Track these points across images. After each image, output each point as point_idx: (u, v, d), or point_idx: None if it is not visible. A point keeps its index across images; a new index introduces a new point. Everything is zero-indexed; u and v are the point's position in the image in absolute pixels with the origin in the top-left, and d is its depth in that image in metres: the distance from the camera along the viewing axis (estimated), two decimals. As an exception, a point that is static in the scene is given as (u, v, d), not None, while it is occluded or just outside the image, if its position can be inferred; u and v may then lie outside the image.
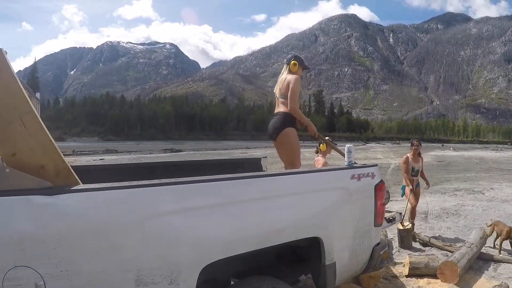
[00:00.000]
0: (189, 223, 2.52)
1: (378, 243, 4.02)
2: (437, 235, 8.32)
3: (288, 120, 5.13)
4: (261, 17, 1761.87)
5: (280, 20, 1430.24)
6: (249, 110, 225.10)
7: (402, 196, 9.06)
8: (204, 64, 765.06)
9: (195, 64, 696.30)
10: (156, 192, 2.45)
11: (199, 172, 3.90)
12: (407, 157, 8.53)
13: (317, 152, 7.59)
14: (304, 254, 3.71)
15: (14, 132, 2.16)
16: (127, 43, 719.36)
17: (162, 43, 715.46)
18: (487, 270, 6.16)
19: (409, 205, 8.40)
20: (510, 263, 6.48)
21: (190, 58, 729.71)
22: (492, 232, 7.33)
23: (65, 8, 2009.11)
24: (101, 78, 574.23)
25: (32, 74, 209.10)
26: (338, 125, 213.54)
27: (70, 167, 2.38)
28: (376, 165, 4.17)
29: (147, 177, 2.96)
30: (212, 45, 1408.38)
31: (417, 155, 8.56)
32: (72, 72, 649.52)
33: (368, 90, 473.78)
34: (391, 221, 5.13)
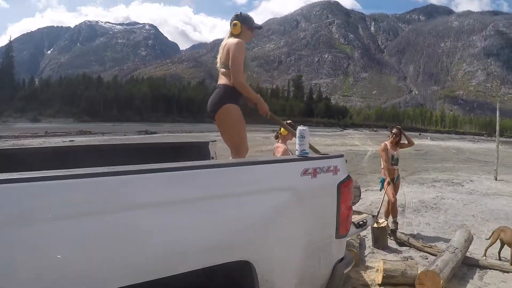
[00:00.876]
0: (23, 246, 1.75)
1: (342, 259, 3.03)
2: (415, 232, 7.77)
3: (229, 94, 4.10)
4: (243, 0, 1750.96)
5: (262, 4, 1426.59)
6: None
7: (380, 190, 8.14)
8: (183, 46, 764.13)
9: (174, 46, 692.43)
10: None
11: (130, 159, 3.06)
12: (386, 144, 7.85)
13: (276, 138, 6.51)
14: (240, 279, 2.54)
15: None
16: (105, 23, 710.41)
17: (141, 24, 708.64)
18: (472, 278, 5.41)
19: (386, 199, 7.68)
20: (498, 269, 5.67)
21: (170, 39, 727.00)
22: (497, 240, 6.08)
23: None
24: (78, 58, 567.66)
25: (7, 53, 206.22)
26: (316, 111, 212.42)
27: None
28: (341, 155, 3.05)
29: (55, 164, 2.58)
30: (192, 27, 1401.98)
31: (395, 143, 7.93)
32: (49, 52, 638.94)
33: (347, 77, 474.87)
34: (361, 226, 4.00)
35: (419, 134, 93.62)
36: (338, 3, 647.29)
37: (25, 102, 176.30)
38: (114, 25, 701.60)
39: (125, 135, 44.73)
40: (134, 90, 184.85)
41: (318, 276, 2.84)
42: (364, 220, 4.05)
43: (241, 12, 4.34)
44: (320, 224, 2.80)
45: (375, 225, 6.76)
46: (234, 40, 4.13)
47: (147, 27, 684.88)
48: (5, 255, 1.70)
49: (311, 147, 3.93)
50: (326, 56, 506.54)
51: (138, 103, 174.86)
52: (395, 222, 7.51)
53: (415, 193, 12.28)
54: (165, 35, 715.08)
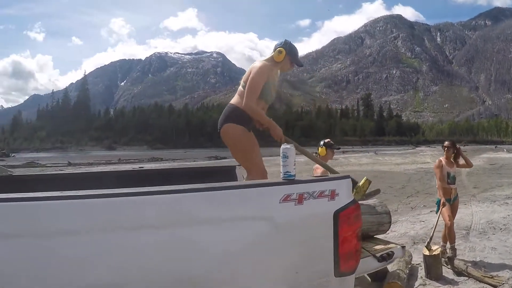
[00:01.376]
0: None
1: None
2: (477, 259, 6.73)
3: (235, 115, 3.93)
4: (305, 22, 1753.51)
5: (325, 24, 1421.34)
6: (296, 116, 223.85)
7: (437, 213, 7.13)
8: None
9: (242, 72, 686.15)
10: None
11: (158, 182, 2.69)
12: (440, 161, 7.19)
13: None
14: None
15: None
16: (174, 53, 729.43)
17: (209, 52, 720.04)
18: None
19: (441, 221, 6.88)
20: None
21: (237, 66, 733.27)
22: None
23: (113, 21, 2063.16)
24: (150, 88, 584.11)
25: (82, 87, 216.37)
26: (387, 129, 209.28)
27: None
28: (346, 176, 2.63)
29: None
30: (258, 52, 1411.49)
31: (452, 158, 7.20)
32: (122, 83, 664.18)
33: (417, 92, 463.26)
34: (385, 259, 3.14)
35: (495, 147, 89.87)
36: (401, 17, 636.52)
37: (100, 131, 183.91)
38: (183, 55, 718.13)
39: (194, 161, 45.29)
40: (205, 117, 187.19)
41: None
42: (390, 252, 3.21)
43: (290, 43, 4.14)
44: (309, 259, 2.40)
45: (427, 252, 6.09)
46: (260, 63, 3.97)
47: (214, 55, 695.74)
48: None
49: (327, 167, 4.14)
50: (394, 71, 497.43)
51: (209, 130, 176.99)
52: (453, 249, 6.73)
53: (484, 212, 10.99)
54: (232, 62, 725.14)
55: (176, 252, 2.07)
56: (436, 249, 6.16)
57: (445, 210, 6.78)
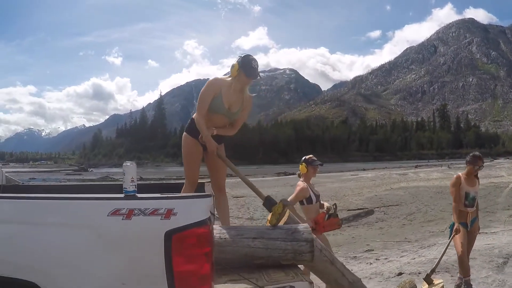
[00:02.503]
0: None
1: None
2: None
3: (189, 126, 4.49)
4: (376, 33, 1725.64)
5: (396, 34, 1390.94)
6: (371, 130, 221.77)
7: (449, 238, 6.06)
8: (324, 86, 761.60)
9: (316, 87, 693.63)
10: None
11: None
12: (459, 177, 6.05)
13: (299, 176, 6.14)
14: None
15: None
16: None
17: (281, 69, 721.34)
18: None
19: (456, 248, 5.88)
20: None
21: (311, 81, 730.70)
22: None
23: (186, 43, 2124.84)
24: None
25: (158, 106, 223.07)
26: (465, 141, 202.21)
27: None
28: (204, 196, 2.63)
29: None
30: (330, 66, 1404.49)
31: (475, 176, 6.08)
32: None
33: (496, 100, 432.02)
34: None
35: None
36: (473, 20, 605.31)
37: (176, 148, 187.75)
38: None
39: (263, 177, 45.73)
40: (278, 133, 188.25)
41: None
42: (289, 287, 2.94)
43: (244, 56, 4.39)
44: (137, 274, 2.42)
45: (426, 286, 5.33)
46: (210, 79, 4.39)
47: (287, 71, 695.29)
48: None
49: (253, 187, 4.33)
50: (471, 79, 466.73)
51: (283, 146, 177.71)
52: (467, 284, 5.74)
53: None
54: (305, 77, 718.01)
55: (19, 245, 2.42)
56: (439, 283, 5.35)
57: (458, 237, 5.82)
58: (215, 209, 4.56)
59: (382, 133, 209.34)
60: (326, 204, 5.94)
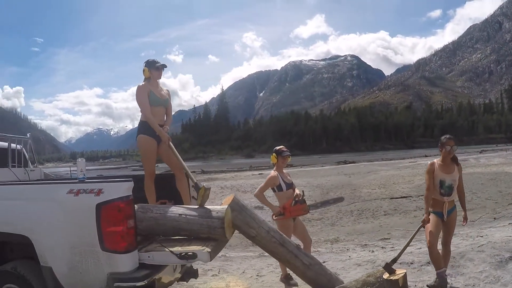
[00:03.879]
0: None
1: (119, 273, 3.58)
2: None
3: (140, 128, 5.28)
4: (436, 13, 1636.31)
5: (457, 12, 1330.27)
6: (436, 115, 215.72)
7: (417, 228, 5.57)
8: (387, 71, 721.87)
9: (379, 73, 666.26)
10: None
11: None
12: (433, 164, 5.62)
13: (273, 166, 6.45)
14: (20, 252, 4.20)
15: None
16: (309, 60, 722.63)
17: (342, 56, 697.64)
18: None
19: (426, 238, 5.51)
20: None
21: (373, 67, 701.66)
22: None
23: (245, 36, 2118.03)
24: (289, 97, 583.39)
25: (221, 100, 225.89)
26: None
27: None
28: (126, 180, 3.82)
29: None
30: (392, 50, 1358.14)
31: (450, 161, 5.58)
32: (261, 94, 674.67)
33: None
34: (184, 258, 3.80)
35: None
36: None
37: (240, 141, 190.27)
38: (317, 61, 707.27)
39: (322, 166, 45.72)
40: (342, 122, 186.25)
41: (88, 274, 3.63)
42: (190, 253, 3.81)
43: (147, 61, 5.35)
44: (81, 233, 3.62)
45: (386, 275, 4.71)
46: (137, 87, 5.24)
47: (349, 58, 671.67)
48: None
49: (188, 174, 5.19)
50: None
51: (347, 134, 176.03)
52: (440, 276, 5.35)
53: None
54: (367, 63, 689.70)
55: (15, 210, 3.90)
56: (400, 273, 4.71)
57: (430, 226, 5.43)
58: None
59: (447, 117, 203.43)
60: (297, 191, 6.16)
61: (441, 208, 5.49)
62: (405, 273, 4.74)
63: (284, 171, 6.30)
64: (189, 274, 5.37)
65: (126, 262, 3.60)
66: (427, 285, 5.57)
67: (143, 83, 5.27)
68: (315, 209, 6.40)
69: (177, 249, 3.84)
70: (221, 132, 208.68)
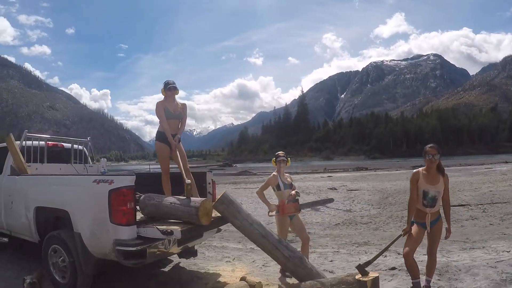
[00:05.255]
0: (32, 190, 6.44)
1: (121, 240, 4.92)
2: None
3: (158, 136, 6.74)
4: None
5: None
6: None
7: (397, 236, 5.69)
8: (472, 70, 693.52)
9: (463, 72, 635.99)
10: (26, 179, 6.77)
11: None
12: (417, 173, 5.49)
13: None
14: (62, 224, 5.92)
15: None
16: (390, 61, 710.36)
17: (425, 55, 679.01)
18: None
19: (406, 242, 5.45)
20: None
21: (457, 66, 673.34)
22: None
23: (324, 37, 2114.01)
24: (370, 98, 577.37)
25: (301, 102, 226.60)
26: None
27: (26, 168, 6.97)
28: (130, 175, 5.22)
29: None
30: (476, 48, 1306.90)
31: (436, 171, 5.41)
32: (342, 96, 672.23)
33: None
34: (165, 233, 5.07)
35: None
36: None
37: (319, 142, 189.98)
38: (399, 61, 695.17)
39: (397, 170, 44.94)
40: (422, 124, 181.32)
41: (102, 239, 5.08)
42: (169, 230, 5.12)
43: (164, 83, 6.78)
44: (99, 209, 5.07)
45: (358, 276, 4.94)
46: (156, 103, 6.69)
47: (431, 57, 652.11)
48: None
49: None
50: None
51: (427, 137, 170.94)
52: (414, 285, 5.39)
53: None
54: (451, 62, 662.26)
55: (61, 192, 5.77)
56: (371, 277, 4.88)
57: (410, 235, 5.45)
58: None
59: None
60: (293, 192, 6.63)
61: (424, 219, 5.37)
62: (377, 277, 4.90)
63: (285, 173, 6.98)
64: (190, 253, 7.07)
65: (126, 233, 4.96)
66: None
67: (160, 101, 6.69)
68: (306, 207, 7.00)
69: (162, 227, 5.16)
70: (300, 133, 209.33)
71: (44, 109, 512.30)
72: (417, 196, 5.40)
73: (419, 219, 5.43)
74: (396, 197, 17.89)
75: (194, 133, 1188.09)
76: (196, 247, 7.30)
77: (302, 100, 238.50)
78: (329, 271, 6.71)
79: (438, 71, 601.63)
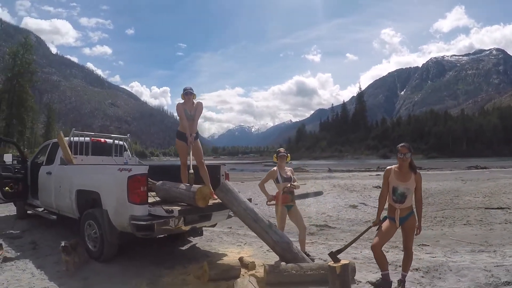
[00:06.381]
0: (74, 176, 8.07)
1: (135, 216, 6.22)
2: None
3: (177, 134, 7.77)
4: None
5: None
6: None
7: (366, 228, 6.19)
8: None
9: None
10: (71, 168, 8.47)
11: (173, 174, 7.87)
12: (389, 170, 5.71)
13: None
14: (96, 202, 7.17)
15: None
16: (451, 56, 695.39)
17: (487, 50, 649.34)
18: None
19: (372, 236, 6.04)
20: None
21: None
22: None
23: (383, 32, 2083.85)
24: (431, 95, 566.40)
25: (359, 99, 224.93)
26: None
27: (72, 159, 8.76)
28: (144, 165, 6.91)
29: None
30: None
31: (408, 169, 5.57)
32: (402, 93, 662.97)
33: None
34: (168, 212, 6.30)
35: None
36: None
37: (377, 140, 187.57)
38: (460, 57, 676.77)
39: (451, 171, 45.15)
40: (484, 122, 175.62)
41: (123, 215, 6.39)
42: (170, 210, 6.32)
43: (183, 89, 7.79)
44: (121, 190, 6.38)
45: (330, 263, 5.46)
46: (177, 105, 7.76)
47: (494, 52, 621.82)
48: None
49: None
50: None
51: (489, 136, 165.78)
52: (383, 277, 5.65)
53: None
54: None
55: (94, 178, 7.45)
56: (341, 263, 5.35)
57: (381, 229, 5.74)
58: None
59: None
60: (289, 185, 7.38)
61: (394, 214, 5.57)
62: (346, 264, 5.33)
63: (286, 168, 7.68)
64: (196, 232, 8.93)
65: (139, 210, 6.27)
66: (369, 281, 5.90)
67: (182, 102, 7.76)
68: (298, 199, 7.45)
69: (166, 207, 6.39)
70: (358, 131, 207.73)
71: (106, 106, 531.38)
72: (387, 191, 5.67)
73: (390, 214, 5.67)
74: (436, 197, 17.76)
75: (253, 129, 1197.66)
76: (207, 230, 9.81)
77: (360, 97, 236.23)
78: (324, 260, 7.06)
79: (501, 67, 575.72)
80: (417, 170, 5.59)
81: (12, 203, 12.18)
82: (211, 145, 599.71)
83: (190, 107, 7.78)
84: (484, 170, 44.00)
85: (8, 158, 10.73)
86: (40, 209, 9.96)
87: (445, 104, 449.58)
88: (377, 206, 5.91)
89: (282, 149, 7.78)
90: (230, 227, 10.71)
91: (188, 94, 7.75)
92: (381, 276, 5.64)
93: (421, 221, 5.63)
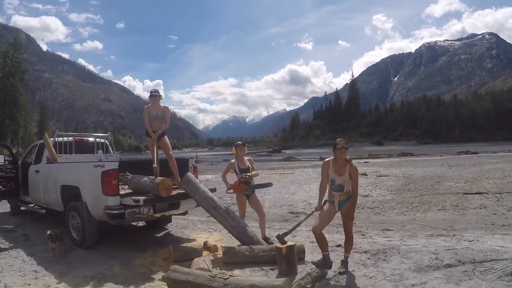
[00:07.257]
0: (58, 173, 8.96)
1: (108, 206, 7.10)
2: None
3: (146, 132, 8.65)
4: None
5: None
6: None
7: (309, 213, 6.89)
8: None
9: None
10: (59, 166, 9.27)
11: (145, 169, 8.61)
12: (328, 162, 6.00)
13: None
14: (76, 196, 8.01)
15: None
16: (444, 41, 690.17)
17: (479, 34, 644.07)
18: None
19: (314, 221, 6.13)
20: None
21: None
22: None
23: (375, 18, 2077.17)
24: (424, 80, 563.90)
25: (351, 87, 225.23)
26: None
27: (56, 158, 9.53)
28: (115, 161, 7.87)
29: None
30: None
31: (344, 162, 5.86)
32: (395, 79, 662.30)
33: None
34: (135, 201, 7.21)
35: None
36: None
37: (370, 127, 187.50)
38: (453, 41, 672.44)
39: (441, 156, 45.10)
40: (476, 107, 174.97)
41: (99, 206, 7.21)
42: (137, 199, 7.23)
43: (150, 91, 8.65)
44: (96, 185, 7.20)
45: (278, 245, 6.15)
46: (144, 108, 8.57)
47: (486, 36, 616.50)
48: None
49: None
50: None
51: (482, 121, 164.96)
52: (323, 257, 5.99)
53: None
54: (507, 41, 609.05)
55: (75, 173, 8.34)
56: (287, 245, 6.00)
57: (321, 213, 6.06)
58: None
59: None
60: (243, 175, 7.95)
61: (333, 198, 5.93)
62: (292, 245, 5.98)
63: (244, 158, 8.17)
64: (165, 220, 10.21)
65: (112, 201, 7.16)
66: (311, 261, 6.11)
67: (148, 105, 8.63)
68: (252, 188, 7.98)
69: (135, 197, 7.30)
70: (352, 118, 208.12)
71: (99, 101, 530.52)
72: (327, 182, 5.98)
73: (330, 198, 6.00)
74: (418, 183, 17.95)
75: (247, 119, 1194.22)
76: (183, 218, 11.19)
77: (352, 85, 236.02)
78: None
79: (494, 51, 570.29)
80: (351, 163, 5.85)
81: (6, 201, 13.07)
82: (205, 136, 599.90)
83: (157, 108, 8.57)
84: (473, 155, 44.42)
85: None
86: (32, 205, 10.86)
87: (439, 89, 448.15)
88: (319, 194, 6.16)
89: (239, 142, 8.37)
90: (209, 216, 10.52)
91: (153, 96, 8.55)
92: (322, 257, 5.96)
93: (354, 212, 5.97)
